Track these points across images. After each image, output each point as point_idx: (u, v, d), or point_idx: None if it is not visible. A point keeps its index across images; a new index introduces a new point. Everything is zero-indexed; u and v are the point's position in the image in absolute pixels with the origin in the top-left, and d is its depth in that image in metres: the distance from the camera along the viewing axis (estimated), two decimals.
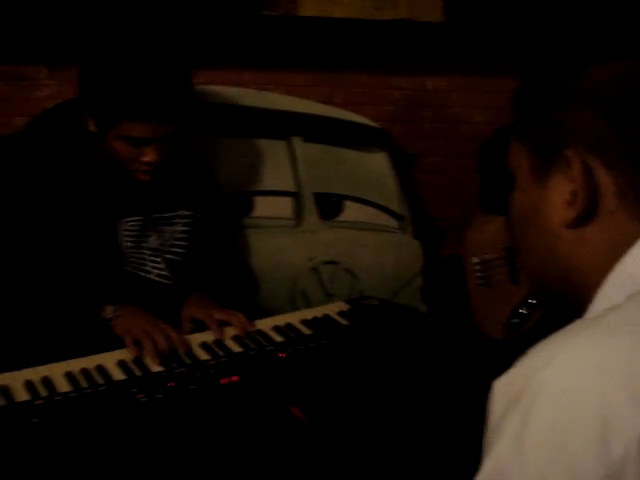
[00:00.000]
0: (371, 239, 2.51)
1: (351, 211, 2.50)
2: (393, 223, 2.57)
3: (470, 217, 2.51)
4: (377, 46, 2.56)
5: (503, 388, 0.70)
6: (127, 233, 1.90)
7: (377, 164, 2.54)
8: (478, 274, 2.41)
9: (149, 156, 1.77)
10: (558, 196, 0.79)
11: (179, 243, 1.99)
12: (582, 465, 0.63)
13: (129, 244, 1.91)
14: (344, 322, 1.88)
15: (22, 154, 1.89)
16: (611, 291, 0.76)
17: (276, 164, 2.40)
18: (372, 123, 2.55)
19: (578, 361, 0.66)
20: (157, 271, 1.97)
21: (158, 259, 1.97)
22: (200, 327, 1.84)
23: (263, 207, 2.40)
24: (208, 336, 1.79)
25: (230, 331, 1.81)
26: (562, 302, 0.85)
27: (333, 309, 1.96)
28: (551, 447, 0.65)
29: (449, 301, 2.57)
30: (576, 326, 0.71)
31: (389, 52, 2.58)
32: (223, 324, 1.82)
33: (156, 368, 1.63)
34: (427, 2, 2.44)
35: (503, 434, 0.67)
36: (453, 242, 2.63)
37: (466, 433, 1.59)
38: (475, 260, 2.41)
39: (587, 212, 0.77)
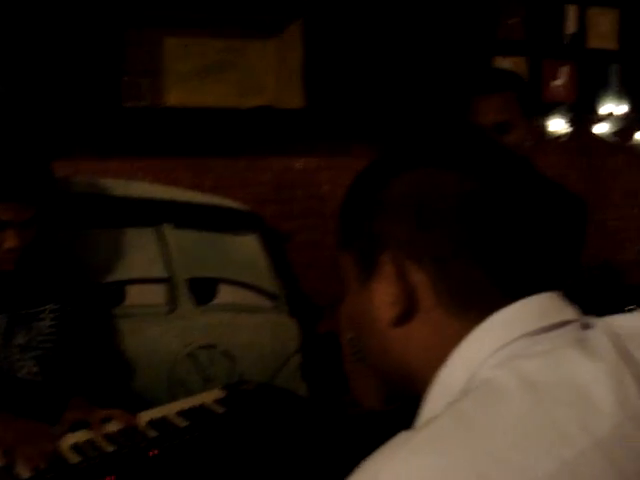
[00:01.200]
0: (247, 321, 2.53)
1: (226, 294, 2.52)
2: (268, 303, 2.60)
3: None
4: (245, 131, 2.62)
5: None
6: None
7: (249, 246, 2.58)
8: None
9: (10, 241, 1.74)
10: (381, 298, 0.83)
11: (49, 338, 1.96)
12: None
13: None
14: (220, 410, 1.89)
15: None
16: (434, 400, 0.79)
17: (148, 252, 2.40)
18: (242, 206, 2.59)
19: (409, 475, 0.68)
20: (27, 369, 1.93)
21: (27, 356, 1.93)
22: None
23: (136, 295, 2.39)
24: (80, 436, 1.75)
25: (109, 427, 1.78)
26: (410, 398, 0.89)
27: (209, 397, 1.96)
28: None
29: (329, 377, 2.60)
30: (400, 440, 0.73)
31: (257, 136, 2.64)
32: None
33: (25, 475, 1.59)
34: (289, 89, 2.53)
35: None
36: (329, 318, 2.67)
37: None
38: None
39: (407, 311, 0.81)
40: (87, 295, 2.10)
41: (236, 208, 2.57)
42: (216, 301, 2.52)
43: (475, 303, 0.80)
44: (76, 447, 1.70)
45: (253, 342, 2.51)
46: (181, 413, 1.87)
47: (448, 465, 0.68)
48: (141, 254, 2.39)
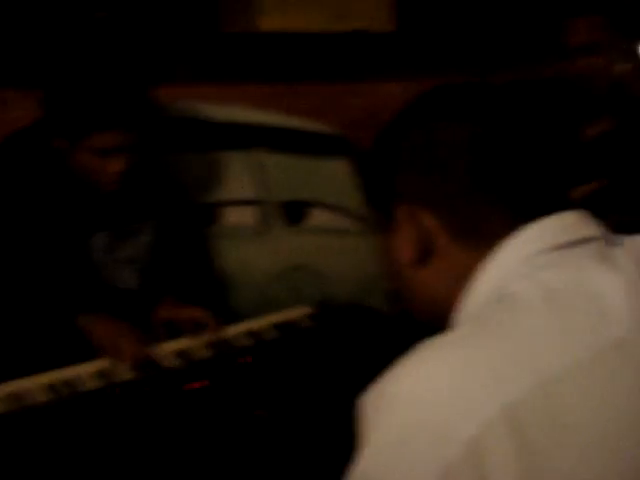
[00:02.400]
0: (337, 243, 2.58)
1: (316, 216, 2.57)
2: (358, 226, 2.64)
3: None
4: (335, 56, 2.63)
5: (365, 403, 0.81)
6: (98, 246, 1.97)
7: (340, 170, 2.62)
8: None
9: (113, 166, 1.83)
10: (401, 244, 0.92)
11: (148, 252, 2.06)
12: (422, 468, 0.74)
13: (101, 256, 1.98)
14: (310, 325, 1.96)
15: None
16: (461, 315, 0.87)
17: (242, 174, 2.46)
18: (333, 131, 2.62)
19: (419, 376, 0.77)
20: (127, 280, 2.04)
21: (130, 269, 2.04)
22: (171, 330, 1.92)
23: (230, 216, 2.47)
24: (177, 344, 1.86)
25: (199, 338, 1.88)
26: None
27: (299, 313, 2.02)
28: (397, 454, 0.76)
29: None
30: (425, 345, 0.81)
31: (347, 61, 2.65)
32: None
33: (127, 376, 1.71)
34: (381, 13, 2.52)
35: (364, 445, 0.78)
36: None
37: None
38: None
39: (425, 252, 0.90)
40: (184, 213, 2.19)
41: (328, 132, 2.61)
42: (307, 223, 2.57)
43: (487, 233, 0.86)
44: (173, 352, 1.81)
45: (343, 264, 2.56)
46: (271, 326, 1.95)
47: (464, 362, 0.76)
48: (235, 177, 2.46)
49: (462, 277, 0.87)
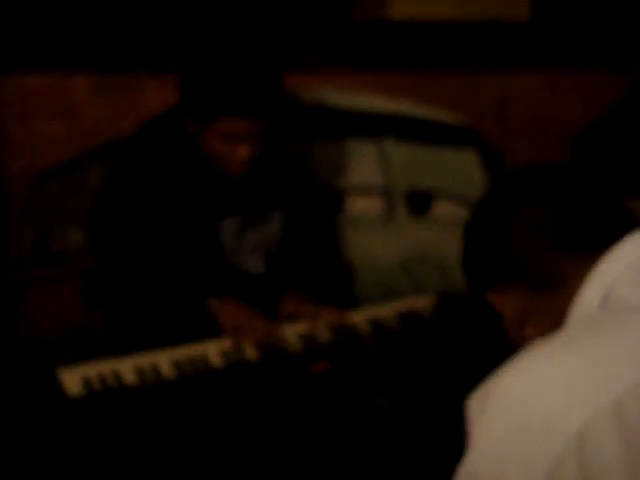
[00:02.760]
0: (460, 235, 2.55)
1: (440, 207, 2.56)
2: None
3: None
4: (465, 46, 2.60)
5: (475, 400, 0.86)
6: (227, 231, 2.02)
7: (467, 161, 2.59)
8: None
9: (241, 154, 1.86)
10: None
11: (276, 240, 2.10)
12: (531, 460, 0.77)
13: (229, 241, 2.03)
14: (432, 316, 1.95)
15: (132, 159, 2.03)
16: (573, 318, 0.93)
17: (367, 163, 2.48)
18: (461, 121, 2.60)
19: (530, 372, 0.82)
20: (256, 267, 2.09)
21: (256, 256, 2.09)
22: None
23: (355, 205, 2.49)
24: (301, 328, 1.89)
25: (322, 323, 1.91)
26: None
27: (421, 303, 2.02)
28: (507, 447, 0.79)
29: None
30: (537, 345, 0.87)
31: (477, 52, 2.62)
32: None
33: (253, 357, 1.76)
34: (515, 2, 2.47)
35: (473, 441, 0.83)
36: None
37: None
38: None
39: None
40: (313, 201, 2.22)
41: (456, 123, 2.58)
42: (431, 214, 2.56)
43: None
44: (298, 336, 1.85)
45: None
46: (393, 315, 1.95)
47: (575, 359, 0.81)
48: (361, 165, 2.47)
49: (559, 318, 0.94)
